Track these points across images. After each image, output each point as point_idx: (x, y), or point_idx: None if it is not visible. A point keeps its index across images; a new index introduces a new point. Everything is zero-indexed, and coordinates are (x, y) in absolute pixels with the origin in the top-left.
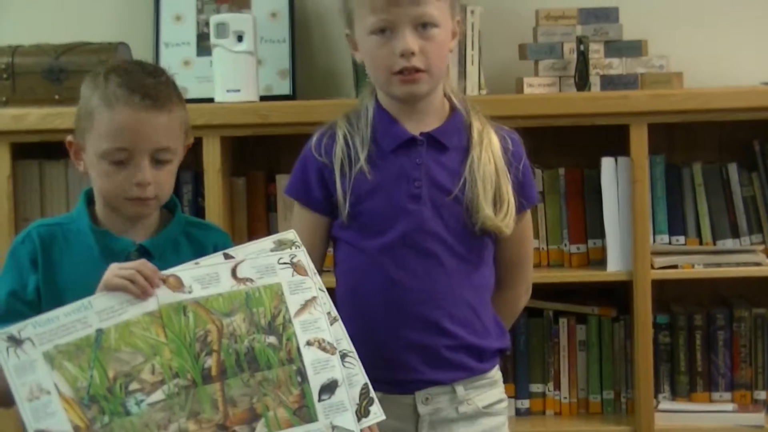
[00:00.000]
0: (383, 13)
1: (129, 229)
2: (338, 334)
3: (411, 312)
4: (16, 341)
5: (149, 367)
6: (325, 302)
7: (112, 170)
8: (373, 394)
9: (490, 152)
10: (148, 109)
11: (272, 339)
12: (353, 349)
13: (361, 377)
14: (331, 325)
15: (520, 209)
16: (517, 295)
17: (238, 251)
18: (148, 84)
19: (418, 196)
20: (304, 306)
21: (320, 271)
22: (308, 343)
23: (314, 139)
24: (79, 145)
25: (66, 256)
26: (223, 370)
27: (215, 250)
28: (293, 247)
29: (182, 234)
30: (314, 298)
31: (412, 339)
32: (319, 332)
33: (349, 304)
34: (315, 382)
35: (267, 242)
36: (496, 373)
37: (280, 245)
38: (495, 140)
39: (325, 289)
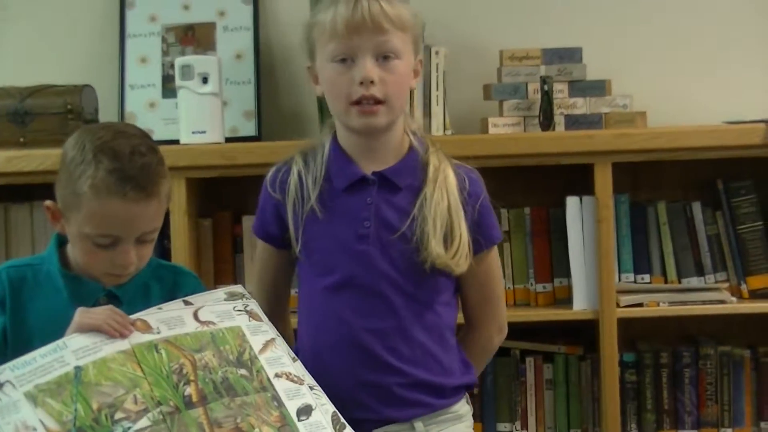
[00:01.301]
0: (345, 40)
1: None
2: (300, 371)
3: (361, 351)
4: None
5: (131, 398)
6: (285, 346)
7: (94, 249)
8: (343, 420)
9: (444, 189)
10: (139, 200)
11: (243, 371)
12: (317, 384)
13: (329, 406)
14: (294, 362)
15: (478, 249)
16: (488, 335)
17: (196, 299)
18: (139, 168)
19: (365, 236)
20: (266, 345)
21: (286, 303)
22: (276, 375)
23: (270, 174)
24: (60, 213)
25: (35, 298)
26: (203, 396)
27: (187, 294)
28: (244, 299)
29: (152, 278)
30: (273, 339)
31: (364, 378)
32: (285, 367)
33: (306, 341)
34: (291, 407)
35: (219, 293)
36: (461, 407)
37: (232, 296)
38: (451, 177)
39: (280, 335)
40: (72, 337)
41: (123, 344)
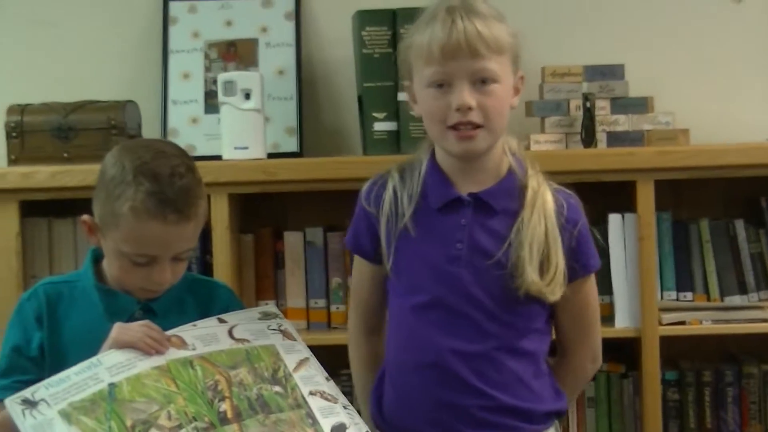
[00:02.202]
0: (440, 66)
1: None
2: (334, 390)
3: (444, 372)
4: (30, 403)
5: (165, 414)
6: (318, 366)
7: (131, 266)
8: None
9: (541, 214)
10: (178, 222)
11: (278, 388)
12: (350, 404)
13: (363, 426)
14: (328, 381)
15: (573, 276)
16: (581, 363)
17: (230, 317)
18: (177, 192)
19: (457, 258)
20: (300, 364)
21: (382, 314)
22: (311, 393)
23: (365, 187)
24: (97, 227)
25: (71, 314)
26: (238, 413)
27: (222, 309)
28: (277, 318)
29: (188, 292)
30: (307, 359)
31: (445, 398)
32: (319, 385)
33: (391, 358)
34: (325, 424)
35: (253, 312)
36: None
37: (266, 316)
38: (549, 202)
39: (313, 356)
40: (106, 353)
41: (158, 360)
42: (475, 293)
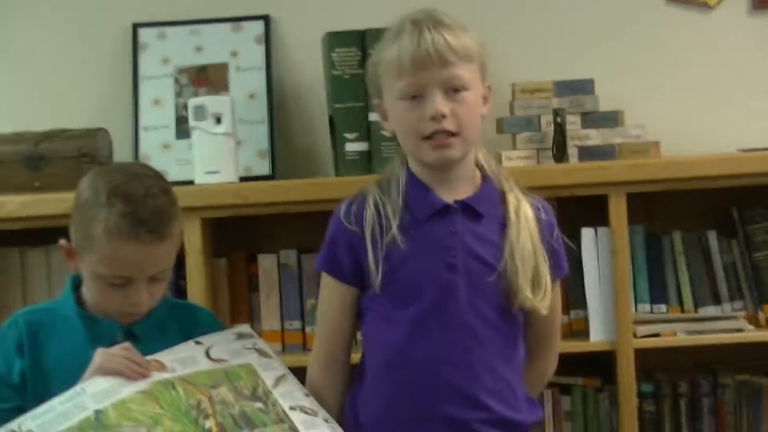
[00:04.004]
0: (412, 77)
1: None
2: (314, 405)
3: (444, 384)
4: None
5: None
6: (296, 382)
7: (108, 289)
8: None
9: (527, 231)
10: (152, 242)
11: (259, 404)
12: (331, 417)
13: None
14: (306, 397)
15: (551, 281)
16: (545, 365)
17: (206, 339)
18: (150, 213)
19: (453, 265)
20: (278, 381)
21: (352, 344)
22: (291, 408)
23: (342, 208)
24: (73, 251)
25: (53, 341)
26: (223, 429)
27: (204, 332)
28: (252, 338)
29: (169, 316)
30: (284, 375)
31: (445, 413)
32: (298, 400)
33: (381, 378)
34: None
35: (228, 334)
36: None
37: (240, 336)
38: (530, 216)
39: (290, 372)
40: (89, 381)
41: (141, 384)
42: (472, 300)
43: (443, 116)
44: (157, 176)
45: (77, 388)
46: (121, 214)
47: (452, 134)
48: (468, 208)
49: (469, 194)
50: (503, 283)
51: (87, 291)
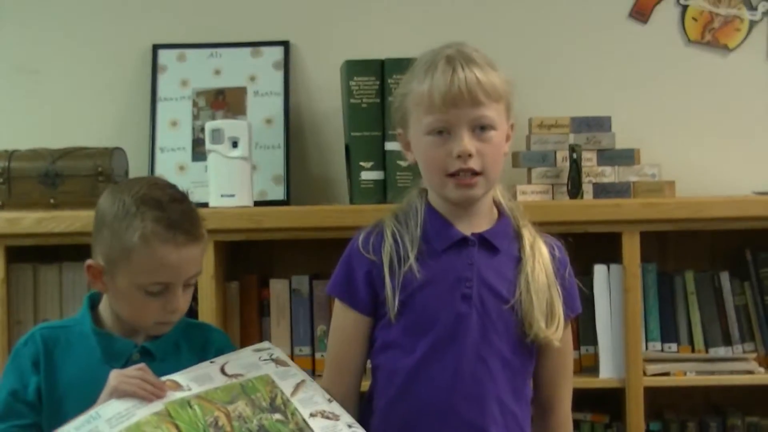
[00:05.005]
0: (441, 114)
1: (132, 332)
2: (338, 410)
3: (458, 417)
4: None
5: None
6: (317, 387)
7: (147, 299)
8: None
9: (542, 265)
10: (188, 243)
11: (278, 416)
12: (355, 422)
13: None
14: (330, 402)
15: (564, 318)
16: (566, 414)
17: (220, 358)
18: (182, 215)
19: (468, 296)
20: (297, 387)
21: (362, 374)
22: (311, 415)
23: (361, 237)
24: (103, 270)
25: (68, 359)
26: None
27: (218, 351)
28: (270, 349)
29: (183, 336)
30: (303, 381)
31: None
32: (319, 405)
33: (391, 409)
34: None
35: (245, 351)
36: None
37: (257, 350)
38: (545, 252)
39: (312, 380)
40: (105, 405)
41: (156, 406)
42: (485, 332)
43: (470, 155)
44: (173, 185)
45: (92, 412)
46: (155, 219)
47: (476, 173)
48: (485, 242)
49: (486, 228)
50: (518, 315)
51: (120, 308)
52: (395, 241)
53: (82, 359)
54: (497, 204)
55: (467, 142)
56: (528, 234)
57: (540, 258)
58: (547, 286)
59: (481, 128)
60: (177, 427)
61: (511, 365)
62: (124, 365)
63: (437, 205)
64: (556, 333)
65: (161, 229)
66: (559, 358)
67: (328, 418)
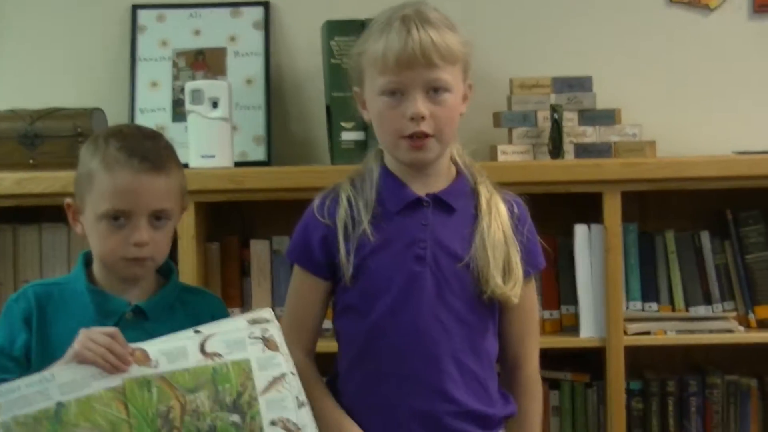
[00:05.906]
0: (395, 75)
1: (125, 291)
2: (305, 420)
3: (413, 379)
4: None
5: None
6: (295, 385)
7: (110, 231)
8: None
9: (498, 221)
10: (147, 171)
11: (235, 417)
12: None
13: None
14: (299, 408)
15: (525, 274)
16: (533, 371)
17: (209, 327)
18: (147, 147)
19: (422, 257)
20: (272, 383)
21: (318, 335)
22: (272, 423)
23: (316, 202)
24: (78, 207)
25: (61, 316)
26: None
27: (212, 318)
28: (265, 323)
29: (177, 299)
30: (283, 375)
31: (416, 407)
32: (285, 411)
33: (352, 372)
34: None
35: (240, 320)
36: None
37: (253, 322)
38: (502, 208)
39: (296, 374)
40: (63, 368)
41: (115, 380)
42: (441, 293)
43: (422, 118)
44: (150, 128)
45: (47, 373)
46: (117, 147)
47: (428, 135)
48: (440, 202)
49: (442, 188)
50: (473, 273)
51: (92, 246)
52: (350, 204)
53: (76, 316)
54: (455, 163)
55: (420, 104)
56: (485, 191)
57: (497, 215)
58: (504, 243)
59: (434, 90)
60: (126, 408)
61: (468, 323)
62: (116, 324)
63: (392, 167)
64: (514, 289)
65: (122, 155)
66: (522, 315)
67: (288, 430)
